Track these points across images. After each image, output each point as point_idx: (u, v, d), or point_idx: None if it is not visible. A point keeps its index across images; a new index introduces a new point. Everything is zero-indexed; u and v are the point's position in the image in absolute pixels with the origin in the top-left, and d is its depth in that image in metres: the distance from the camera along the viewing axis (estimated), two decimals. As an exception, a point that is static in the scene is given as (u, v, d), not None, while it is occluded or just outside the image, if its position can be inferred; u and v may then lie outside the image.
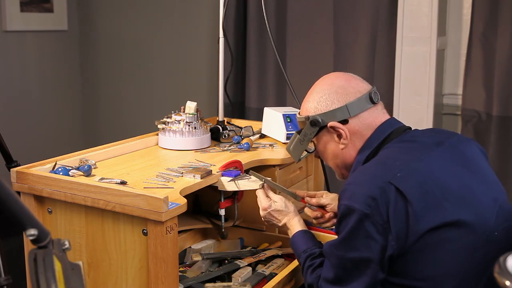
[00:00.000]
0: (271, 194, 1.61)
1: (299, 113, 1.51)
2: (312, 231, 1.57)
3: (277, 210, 1.57)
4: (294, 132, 1.97)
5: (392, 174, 1.22)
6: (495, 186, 1.34)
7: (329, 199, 1.66)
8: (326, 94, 1.42)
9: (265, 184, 1.63)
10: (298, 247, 1.49)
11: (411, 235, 1.20)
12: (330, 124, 1.40)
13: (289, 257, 1.72)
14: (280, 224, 1.57)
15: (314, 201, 1.67)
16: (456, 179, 1.27)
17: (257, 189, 1.61)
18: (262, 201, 1.59)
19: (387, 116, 1.43)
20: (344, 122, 1.39)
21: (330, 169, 2.73)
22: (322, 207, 1.67)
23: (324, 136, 1.45)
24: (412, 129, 1.44)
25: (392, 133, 1.39)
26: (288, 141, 1.98)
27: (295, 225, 1.54)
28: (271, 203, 1.57)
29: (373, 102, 1.40)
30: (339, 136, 1.41)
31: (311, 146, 1.56)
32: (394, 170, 1.24)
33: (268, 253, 1.71)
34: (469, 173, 1.31)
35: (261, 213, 1.59)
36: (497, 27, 2.47)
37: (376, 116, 1.41)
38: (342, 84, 1.42)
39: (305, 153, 1.57)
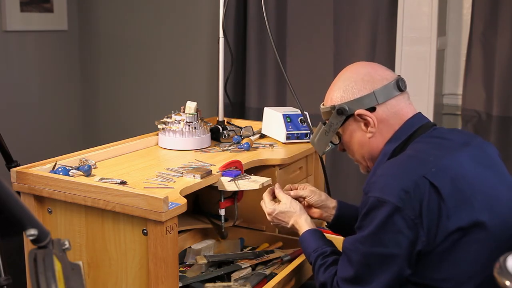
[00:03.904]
0: (280, 194, 1.58)
1: (322, 104, 1.46)
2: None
3: (282, 212, 1.54)
4: (295, 132, 1.99)
5: (427, 169, 1.20)
6: None
7: (308, 191, 1.62)
8: (352, 82, 1.39)
9: (276, 185, 1.60)
10: (307, 246, 1.46)
11: (440, 232, 1.18)
12: (357, 112, 1.37)
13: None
14: (288, 226, 1.55)
15: (292, 193, 1.62)
16: (483, 180, 1.26)
17: (264, 192, 1.59)
18: (267, 205, 1.57)
19: (414, 108, 1.41)
20: (372, 109, 1.36)
21: (330, 169, 2.75)
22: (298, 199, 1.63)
23: (351, 126, 1.41)
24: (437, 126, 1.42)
25: (420, 128, 1.36)
26: (288, 141, 1.99)
27: (303, 225, 1.51)
28: (275, 207, 1.55)
29: (400, 90, 1.38)
30: (366, 124, 1.38)
31: (335, 140, 1.50)
32: (428, 165, 1.22)
33: (271, 256, 1.70)
34: (493, 174, 1.30)
35: (268, 218, 1.57)
36: (497, 27, 2.47)
37: (404, 105, 1.38)
38: (368, 71, 1.39)
39: (330, 145, 1.50)
